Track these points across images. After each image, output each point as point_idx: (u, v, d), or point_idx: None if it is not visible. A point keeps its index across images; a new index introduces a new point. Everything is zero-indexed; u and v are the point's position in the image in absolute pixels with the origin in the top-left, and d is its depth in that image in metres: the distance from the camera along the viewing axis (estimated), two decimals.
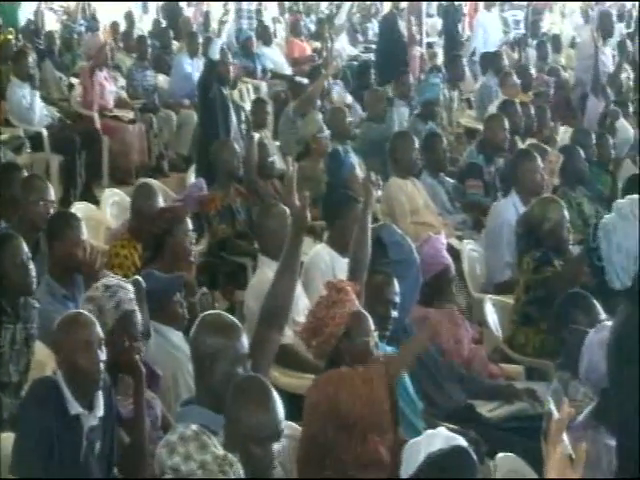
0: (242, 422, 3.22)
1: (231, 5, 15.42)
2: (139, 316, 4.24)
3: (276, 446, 3.22)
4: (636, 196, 3.49)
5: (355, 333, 4.16)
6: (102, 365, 3.79)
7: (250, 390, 3.34)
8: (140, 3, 22.22)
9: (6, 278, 4.61)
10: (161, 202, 6.25)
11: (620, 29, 14.31)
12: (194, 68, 12.29)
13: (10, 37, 13.48)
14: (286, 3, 22.23)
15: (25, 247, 4.70)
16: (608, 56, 12.35)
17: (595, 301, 4.76)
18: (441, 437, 3.06)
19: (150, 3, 22.20)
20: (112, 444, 3.95)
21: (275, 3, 21.84)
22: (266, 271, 5.40)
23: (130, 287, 4.33)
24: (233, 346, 3.70)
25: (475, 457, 3.05)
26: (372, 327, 4.22)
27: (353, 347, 4.15)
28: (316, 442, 4.02)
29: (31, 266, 4.68)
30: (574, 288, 5.47)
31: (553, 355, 4.93)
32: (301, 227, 3.96)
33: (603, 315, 4.66)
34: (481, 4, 16.64)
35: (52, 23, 17.91)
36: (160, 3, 19.51)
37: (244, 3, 16.68)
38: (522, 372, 5.54)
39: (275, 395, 3.31)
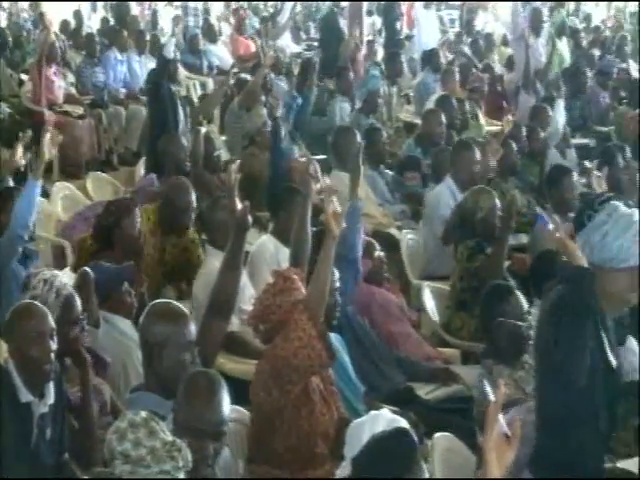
0: (184, 414, 3.22)
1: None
2: (77, 299, 4.21)
3: (215, 446, 3.22)
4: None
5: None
6: (53, 355, 3.75)
7: (197, 385, 3.31)
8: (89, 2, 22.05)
9: None
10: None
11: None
12: (141, 65, 12.24)
13: None
14: (232, 3, 22.18)
15: None
16: (540, 52, 12.48)
17: (517, 291, 4.83)
18: (384, 418, 3.06)
19: (98, 1, 22.04)
20: (62, 430, 3.92)
21: (222, 2, 21.81)
22: (213, 261, 5.37)
23: (60, 274, 4.30)
24: (181, 333, 3.68)
25: (416, 438, 3.07)
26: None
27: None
28: (263, 412, 4.03)
29: None
30: (502, 275, 5.56)
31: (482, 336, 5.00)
32: (243, 229, 3.96)
33: (525, 305, 4.72)
34: (418, 3, 16.71)
35: (2, 21, 17.74)
36: (108, 2, 19.36)
37: (190, 2, 16.61)
38: (458, 355, 5.57)
39: (222, 394, 3.28)
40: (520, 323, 4.57)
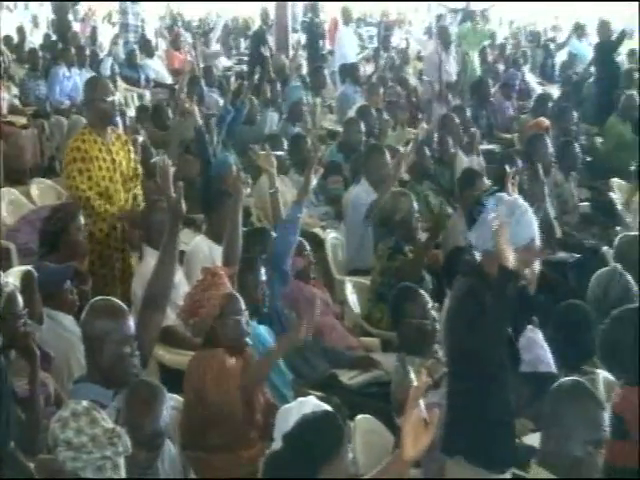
0: (124, 420, 3.20)
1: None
2: (19, 296, 4.14)
3: (148, 456, 3.22)
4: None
5: (228, 312, 4.15)
6: None
7: (138, 396, 3.31)
8: (30, 17, 21.78)
9: None
10: None
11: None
12: (82, 78, 12.13)
13: None
14: (167, 20, 22.08)
15: None
16: (452, 65, 12.64)
17: (420, 292, 4.89)
18: (310, 404, 3.08)
19: (40, 16, 21.78)
20: (8, 421, 3.85)
21: (157, 18, 21.69)
22: (150, 260, 5.31)
23: (6, 279, 4.25)
24: (120, 328, 3.64)
25: (340, 420, 3.08)
26: (243, 307, 4.22)
27: (226, 325, 4.14)
28: (195, 402, 4.01)
29: None
30: (419, 276, 5.61)
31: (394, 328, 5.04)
32: (177, 215, 3.89)
33: (430, 303, 4.78)
34: (340, 21, 16.81)
35: None
36: (50, 18, 19.13)
37: (130, 18, 16.48)
38: (378, 344, 5.59)
39: (161, 407, 3.28)
40: (425, 321, 4.66)
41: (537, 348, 4.91)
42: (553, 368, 4.85)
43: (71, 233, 5.25)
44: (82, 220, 5.41)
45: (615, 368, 3.86)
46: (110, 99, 5.95)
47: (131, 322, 3.72)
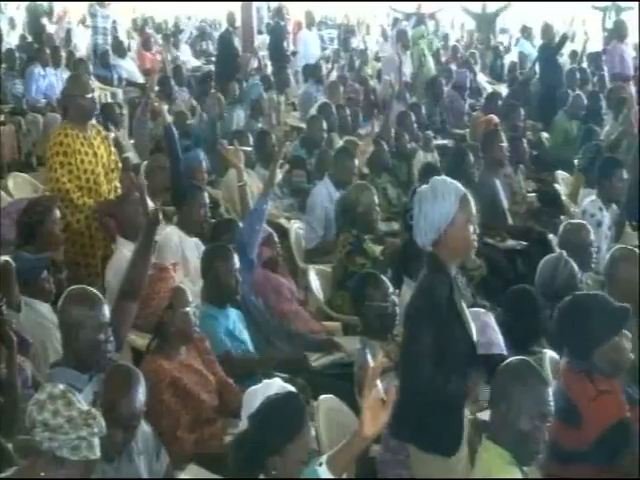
0: (102, 402, 3.18)
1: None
2: None
3: (125, 436, 3.21)
4: (452, 181, 3.57)
5: (176, 305, 4.13)
6: None
7: (115, 379, 3.29)
8: (7, 19, 21.58)
9: None
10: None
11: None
12: (57, 77, 12.07)
13: None
14: (138, 21, 21.93)
15: None
16: (408, 66, 12.68)
17: (384, 278, 4.87)
18: (275, 385, 3.07)
19: (17, 20, 21.59)
20: None
21: (129, 20, 21.56)
22: (123, 251, 5.31)
23: None
24: (95, 315, 3.61)
25: (303, 400, 3.08)
26: (190, 299, 4.21)
27: (175, 316, 4.12)
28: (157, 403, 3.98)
29: None
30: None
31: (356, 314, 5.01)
32: (154, 224, 3.91)
33: (391, 289, 4.78)
34: (303, 23, 16.80)
35: None
36: (26, 20, 18.99)
37: (99, 21, 16.38)
38: (340, 328, 5.59)
39: (137, 390, 3.26)
40: (385, 304, 4.65)
41: (490, 331, 4.93)
42: (504, 350, 4.93)
43: (47, 225, 5.20)
44: (58, 213, 5.36)
45: (567, 353, 3.87)
46: (89, 96, 5.93)
47: (106, 310, 3.69)
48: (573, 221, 5.84)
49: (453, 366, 3.34)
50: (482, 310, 4.35)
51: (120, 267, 4.76)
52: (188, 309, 4.16)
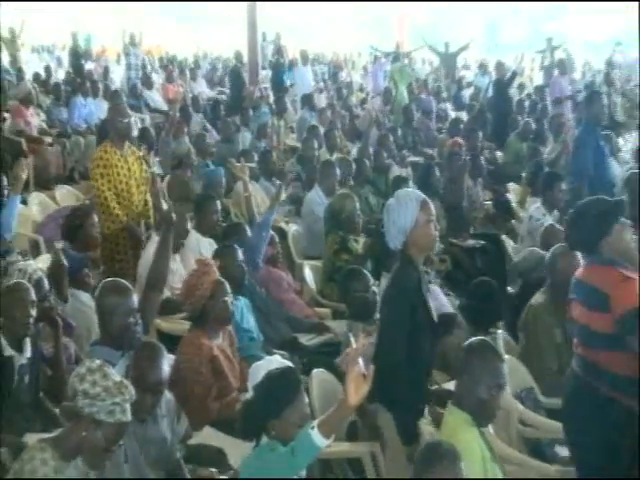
0: (133, 372, 3.17)
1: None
2: (45, 281, 4.11)
3: (153, 399, 3.18)
4: (412, 190, 3.60)
5: (217, 295, 4.10)
6: (32, 319, 3.67)
7: (144, 352, 3.27)
8: (55, 59, 21.59)
9: None
10: None
11: None
12: (96, 106, 12.06)
13: None
14: (163, 59, 21.88)
15: None
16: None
17: (366, 272, 4.86)
18: (276, 361, 3.06)
19: (63, 58, 21.60)
20: (37, 376, 3.83)
21: (156, 58, 21.52)
22: (152, 247, 5.31)
23: (32, 263, 4.25)
24: (126, 303, 3.62)
25: (298, 374, 3.06)
26: (229, 290, 4.18)
27: (217, 305, 4.10)
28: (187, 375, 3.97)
29: None
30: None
31: (343, 301, 4.99)
32: (168, 222, 3.94)
33: (372, 280, 4.78)
34: (299, 60, 16.80)
35: None
36: (70, 59, 19.04)
37: (132, 58, 16.44)
38: (329, 313, 5.55)
39: (162, 361, 3.24)
40: (367, 294, 4.66)
41: (438, 294, 5.04)
42: (451, 309, 5.02)
43: (86, 228, 5.19)
44: (95, 218, 5.36)
45: (585, 255, 3.66)
46: (126, 120, 5.93)
47: (135, 298, 3.69)
48: (554, 225, 5.75)
49: (420, 341, 3.34)
50: (429, 283, 4.35)
51: (149, 261, 4.78)
52: (227, 299, 4.13)
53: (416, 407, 3.30)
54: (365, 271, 4.89)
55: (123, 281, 3.80)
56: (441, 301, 5.06)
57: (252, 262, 5.14)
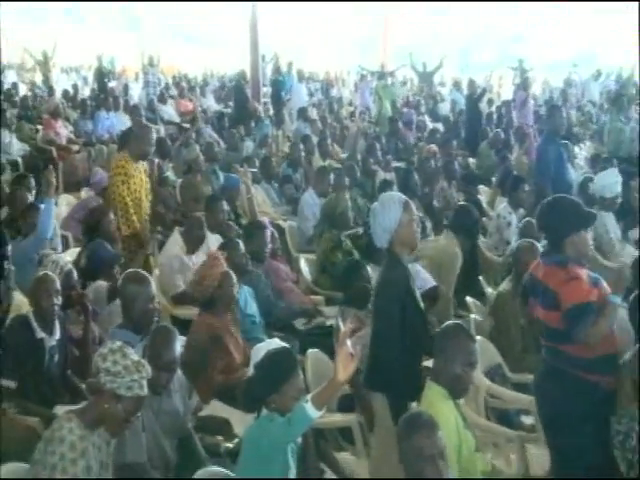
0: (149, 352, 3.16)
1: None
2: (74, 272, 4.07)
3: (167, 376, 3.15)
4: (395, 193, 3.56)
5: (225, 284, 4.08)
6: (57, 307, 3.65)
7: (158, 334, 3.25)
8: (82, 78, 21.54)
9: None
10: None
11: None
12: (117, 119, 12.02)
13: None
14: (176, 77, 21.80)
15: None
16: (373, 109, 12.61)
17: (366, 266, 4.77)
18: (275, 342, 3.04)
19: (89, 78, 21.55)
20: (66, 356, 3.81)
21: (169, 77, 21.45)
22: (175, 237, 5.38)
23: (63, 256, 4.22)
24: (146, 291, 3.60)
25: (294, 354, 3.04)
26: (235, 281, 4.15)
27: (223, 294, 4.08)
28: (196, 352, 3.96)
29: None
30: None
31: (341, 290, 4.95)
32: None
33: (371, 273, 4.73)
34: (295, 78, 16.78)
35: (23, 90, 17.18)
36: (94, 78, 19.04)
37: (150, 77, 16.43)
38: (323, 300, 5.52)
39: (175, 342, 3.21)
40: (367, 285, 4.59)
41: (422, 274, 5.10)
42: (434, 283, 5.05)
43: (105, 226, 5.15)
44: (112, 215, 5.30)
45: (545, 248, 3.59)
46: (152, 148, 5.81)
47: (153, 286, 3.67)
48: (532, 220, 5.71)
49: (411, 329, 3.29)
50: (410, 263, 4.30)
51: (170, 252, 5.04)
52: (233, 288, 4.11)
53: (410, 392, 3.23)
54: (365, 265, 4.83)
55: (143, 272, 3.79)
56: (424, 277, 5.05)
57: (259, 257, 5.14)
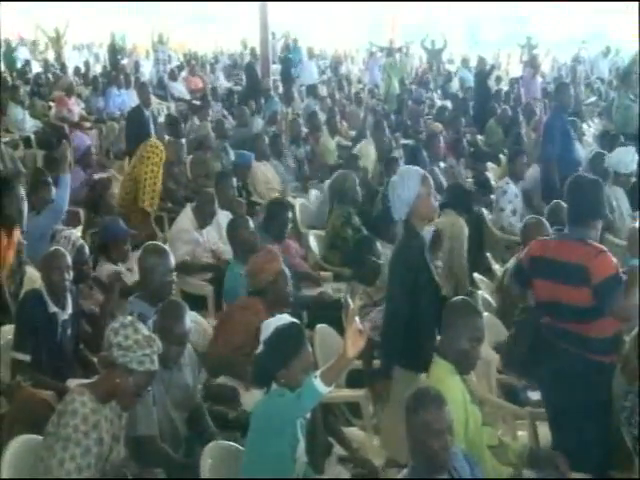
0: (159, 325, 3.13)
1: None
2: (87, 248, 4.06)
3: (177, 350, 3.14)
4: (413, 167, 3.55)
5: (280, 284, 3.88)
6: (68, 282, 3.65)
7: (169, 309, 3.22)
8: (93, 55, 21.47)
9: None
10: None
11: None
12: (128, 96, 11.96)
13: (6, 76, 13.05)
14: (187, 54, 21.68)
15: None
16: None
17: (375, 240, 4.77)
18: (284, 318, 3.01)
19: (100, 55, 21.48)
20: (78, 330, 3.82)
21: (180, 54, 21.33)
22: (187, 212, 5.38)
23: (75, 231, 4.22)
24: (163, 263, 3.58)
25: (302, 328, 3.00)
26: (290, 281, 3.96)
27: (277, 290, 3.87)
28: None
29: None
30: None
31: (350, 266, 4.91)
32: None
33: (381, 249, 4.69)
34: (305, 56, 16.65)
35: (36, 68, 17.13)
36: (106, 55, 18.96)
37: (160, 55, 16.34)
38: (331, 276, 5.46)
39: (185, 316, 3.17)
40: (378, 260, 4.57)
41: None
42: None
43: (106, 199, 5.13)
44: (115, 190, 5.30)
45: (569, 226, 3.42)
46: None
47: (172, 259, 3.66)
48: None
49: (425, 301, 3.30)
50: None
51: (180, 225, 5.03)
52: (288, 288, 3.92)
53: (422, 361, 3.19)
54: (376, 240, 4.79)
55: (162, 244, 3.78)
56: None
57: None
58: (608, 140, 8.27)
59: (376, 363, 3.61)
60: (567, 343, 3.24)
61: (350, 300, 3.45)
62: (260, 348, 2.90)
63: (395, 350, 3.32)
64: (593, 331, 3.18)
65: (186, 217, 5.34)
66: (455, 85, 15.82)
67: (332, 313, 4.47)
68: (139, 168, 5.90)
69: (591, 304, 3.14)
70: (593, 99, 13.24)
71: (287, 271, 3.99)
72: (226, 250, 5.12)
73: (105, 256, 4.53)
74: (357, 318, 2.54)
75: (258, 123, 10.24)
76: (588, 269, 3.13)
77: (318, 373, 2.59)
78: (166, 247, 3.73)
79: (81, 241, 4.15)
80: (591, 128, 10.91)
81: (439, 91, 15.30)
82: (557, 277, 3.24)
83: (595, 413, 3.15)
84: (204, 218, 5.32)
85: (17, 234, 4.32)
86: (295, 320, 2.99)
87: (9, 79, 12.95)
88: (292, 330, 2.89)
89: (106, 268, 4.45)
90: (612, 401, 3.12)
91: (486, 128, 10.17)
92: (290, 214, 5.48)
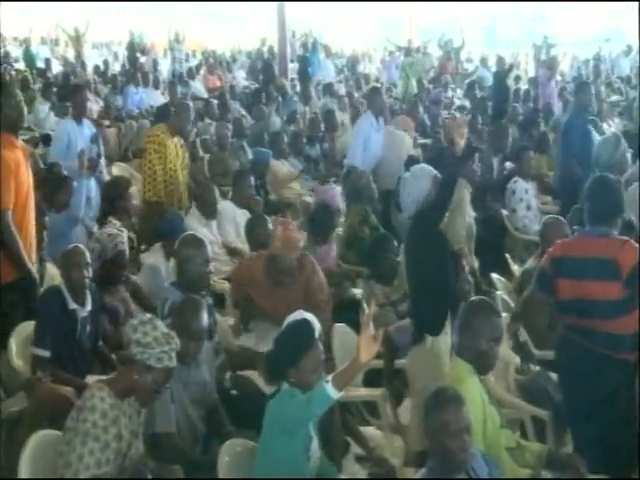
0: (178, 321, 3.14)
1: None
2: (127, 254, 4.17)
3: (196, 345, 3.15)
4: (425, 166, 3.55)
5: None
6: (87, 279, 3.68)
7: (187, 305, 3.24)
8: (112, 53, 21.61)
9: None
10: None
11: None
12: (146, 94, 12.02)
13: (27, 74, 13.17)
14: (205, 53, 21.74)
15: None
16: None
17: (392, 238, 4.77)
18: (297, 314, 3.00)
19: (119, 53, 21.62)
20: (97, 327, 3.84)
21: (199, 52, 21.40)
22: (192, 211, 5.45)
23: (124, 235, 4.23)
24: (199, 254, 3.62)
25: (313, 325, 2.95)
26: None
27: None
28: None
29: None
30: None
31: (367, 265, 4.90)
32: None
33: (397, 245, 4.67)
34: (322, 54, 16.66)
35: (56, 66, 17.31)
36: (126, 53, 19.09)
37: (177, 53, 16.40)
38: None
39: (203, 313, 3.20)
40: (397, 258, 4.56)
41: None
42: None
43: (124, 198, 5.15)
44: (134, 189, 5.32)
45: (591, 225, 3.44)
46: (189, 124, 5.90)
47: (208, 250, 3.69)
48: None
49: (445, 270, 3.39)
50: None
51: (187, 225, 5.04)
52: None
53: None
54: (393, 239, 4.78)
55: (199, 236, 3.81)
56: None
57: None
58: (628, 139, 8.18)
59: (397, 363, 3.60)
60: (592, 342, 3.20)
61: (365, 305, 3.44)
62: (270, 347, 2.89)
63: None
64: (619, 328, 3.15)
65: (192, 216, 5.38)
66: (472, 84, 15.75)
67: (350, 313, 4.45)
68: (143, 163, 5.94)
69: (621, 296, 3.12)
70: (614, 98, 13.12)
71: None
72: (244, 249, 5.13)
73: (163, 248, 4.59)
74: (371, 324, 2.54)
75: (275, 121, 10.24)
76: (617, 260, 3.12)
77: (330, 378, 2.58)
78: (202, 239, 3.77)
79: (123, 246, 4.17)
80: (611, 127, 10.80)
81: (458, 90, 15.23)
82: (583, 274, 3.22)
83: (619, 414, 3.11)
84: (205, 209, 5.37)
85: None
86: (306, 316, 2.97)
87: (30, 78, 13.05)
88: (301, 327, 2.87)
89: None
90: (635, 400, 3.09)
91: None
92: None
